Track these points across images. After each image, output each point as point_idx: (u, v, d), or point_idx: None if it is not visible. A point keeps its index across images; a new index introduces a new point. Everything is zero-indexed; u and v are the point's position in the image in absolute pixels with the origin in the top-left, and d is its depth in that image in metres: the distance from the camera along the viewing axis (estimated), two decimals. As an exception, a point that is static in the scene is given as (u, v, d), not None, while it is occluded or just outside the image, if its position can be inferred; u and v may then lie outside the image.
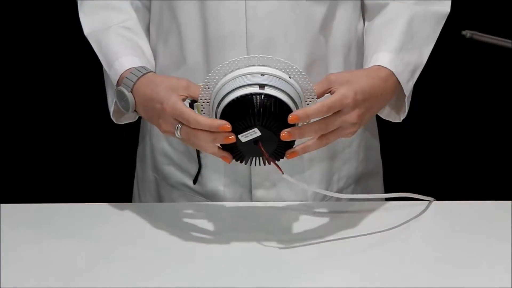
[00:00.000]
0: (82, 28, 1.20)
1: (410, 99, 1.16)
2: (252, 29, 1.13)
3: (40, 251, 1.05)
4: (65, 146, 2.44)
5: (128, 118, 1.18)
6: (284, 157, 1.01)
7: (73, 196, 1.57)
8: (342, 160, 1.26)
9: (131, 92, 1.08)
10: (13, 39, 2.36)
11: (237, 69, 1.00)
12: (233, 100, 0.98)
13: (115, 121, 1.19)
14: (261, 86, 0.98)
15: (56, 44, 2.35)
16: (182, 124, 1.02)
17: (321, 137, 1.02)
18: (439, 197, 1.18)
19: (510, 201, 1.16)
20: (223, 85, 1.00)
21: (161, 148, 1.27)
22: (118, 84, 1.12)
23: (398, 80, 1.11)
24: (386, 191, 1.40)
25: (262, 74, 0.99)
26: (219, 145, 1.02)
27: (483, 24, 2.06)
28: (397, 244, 1.06)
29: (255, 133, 0.98)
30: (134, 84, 1.08)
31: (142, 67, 1.11)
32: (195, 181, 1.24)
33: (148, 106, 1.07)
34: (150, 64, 1.17)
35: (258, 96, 0.98)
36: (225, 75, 1.01)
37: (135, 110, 1.10)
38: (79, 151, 2.44)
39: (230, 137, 0.98)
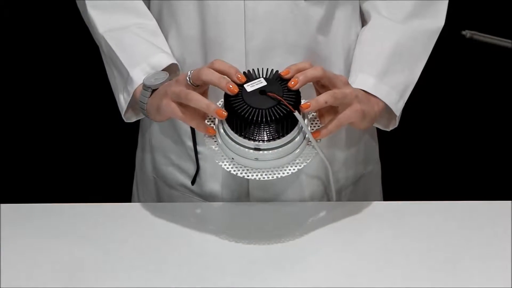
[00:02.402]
0: (95, 25, 1.18)
1: (400, 113, 1.17)
2: (251, 30, 1.13)
3: (40, 251, 1.06)
4: (65, 146, 2.44)
5: (138, 115, 1.18)
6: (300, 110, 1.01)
7: (73, 196, 1.57)
8: (341, 161, 1.26)
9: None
10: (13, 39, 2.36)
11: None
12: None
13: (125, 120, 1.18)
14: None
15: (56, 45, 2.35)
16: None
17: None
18: (439, 197, 1.18)
19: (510, 201, 1.16)
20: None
21: (160, 148, 1.28)
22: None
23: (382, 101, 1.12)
24: (385, 192, 1.40)
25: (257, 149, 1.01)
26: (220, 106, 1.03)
27: (483, 24, 2.06)
28: (397, 244, 1.07)
29: (260, 82, 1.00)
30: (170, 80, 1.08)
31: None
32: (193, 182, 1.24)
33: (167, 85, 1.06)
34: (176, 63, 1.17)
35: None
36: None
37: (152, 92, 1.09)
38: (79, 151, 2.44)
39: (233, 86, 0.99)
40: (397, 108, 1.14)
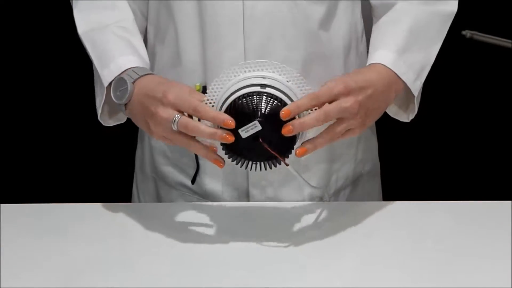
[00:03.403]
0: (76, 27, 1.19)
1: (419, 99, 1.16)
2: (249, 29, 1.13)
3: (40, 251, 1.06)
4: (64, 146, 2.44)
5: (116, 120, 1.18)
6: (293, 154, 1.00)
7: (73, 196, 1.57)
8: (340, 161, 1.26)
9: (133, 83, 1.08)
10: (13, 40, 2.36)
11: (236, 75, 1.01)
12: (234, 100, 0.99)
13: (103, 123, 1.18)
14: (263, 86, 0.99)
15: (57, 45, 2.35)
16: (181, 115, 1.00)
17: (327, 130, 1.02)
18: (439, 197, 1.18)
19: (510, 201, 1.16)
20: (225, 91, 1.00)
21: (159, 148, 1.27)
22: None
23: (401, 79, 1.11)
24: (385, 192, 1.40)
25: (264, 77, 1.00)
26: (216, 149, 1.02)
27: (483, 24, 2.06)
28: (397, 244, 1.06)
29: (255, 127, 0.97)
30: (139, 77, 1.08)
31: (145, 68, 1.11)
32: (193, 181, 1.24)
33: (147, 98, 1.04)
34: (147, 65, 1.16)
35: (259, 94, 0.98)
36: (227, 80, 1.01)
37: (125, 107, 1.09)
38: (79, 151, 2.44)
39: (228, 136, 0.98)
40: (415, 87, 1.13)
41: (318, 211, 1.16)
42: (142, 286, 0.98)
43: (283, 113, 0.97)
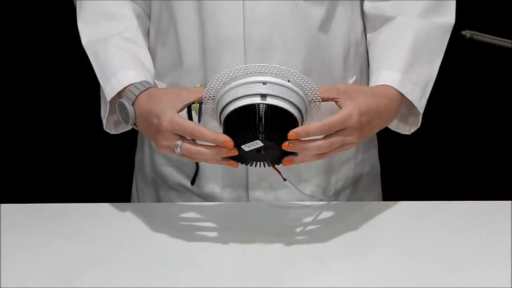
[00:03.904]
0: (80, 38, 1.18)
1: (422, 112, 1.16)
2: (250, 30, 1.13)
3: (40, 251, 1.06)
4: (65, 146, 2.44)
5: (123, 128, 1.19)
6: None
7: (73, 196, 1.57)
8: (340, 162, 1.26)
9: (133, 105, 1.08)
10: (14, 40, 2.36)
11: (236, 78, 1.00)
12: (235, 110, 0.98)
13: (109, 132, 1.19)
14: (263, 96, 0.98)
15: (57, 45, 2.35)
16: (182, 140, 1.01)
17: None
18: (439, 197, 1.18)
19: (510, 201, 1.16)
20: (225, 93, 1.00)
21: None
22: (120, 96, 1.12)
23: (406, 98, 1.11)
24: (384, 192, 1.40)
25: (264, 83, 0.99)
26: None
27: (483, 24, 2.06)
28: (396, 244, 1.06)
29: (257, 144, 0.98)
30: (136, 97, 1.08)
31: (145, 81, 1.10)
32: (192, 182, 1.24)
33: (147, 121, 1.06)
34: (150, 74, 1.16)
35: (260, 107, 0.98)
36: (225, 83, 1.00)
37: (134, 124, 1.10)
38: (79, 151, 2.44)
39: (233, 150, 0.98)
40: (421, 105, 1.13)
41: (318, 211, 1.16)
42: (142, 286, 0.98)
43: (291, 134, 0.97)
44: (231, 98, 0.99)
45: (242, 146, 0.98)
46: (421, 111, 1.14)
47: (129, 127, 1.16)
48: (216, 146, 0.99)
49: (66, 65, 2.35)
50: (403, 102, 1.12)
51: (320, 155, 1.02)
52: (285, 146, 0.98)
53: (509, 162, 2.23)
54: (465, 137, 2.34)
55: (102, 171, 2.40)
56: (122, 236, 1.10)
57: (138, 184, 1.36)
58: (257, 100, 0.98)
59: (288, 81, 1.00)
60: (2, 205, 1.17)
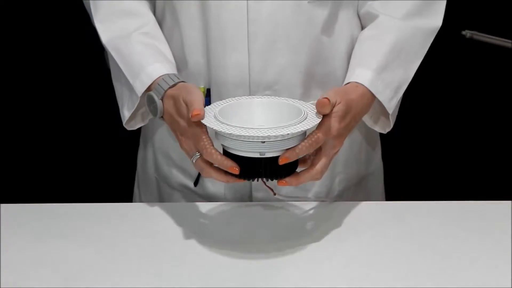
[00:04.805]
0: (100, 36, 1.18)
1: (396, 114, 1.17)
2: (254, 31, 1.13)
3: (40, 251, 1.06)
4: (65, 146, 2.44)
5: (141, 122, 1.19)
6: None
7: (73, 196, 1.57)
8: (343, 162, 1.26)
9: (162, 99, 1.08)
10: (14, 40, 2.36)
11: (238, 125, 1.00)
12: (238, 156, 1.00)
13: (127, 128, 1.19)
14: (262, 153, 1.01)
15: (58, 45, 2.35)
16: (199, 154, 1.03)
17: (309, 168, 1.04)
18: (439, 197, 1.18)
19: (510, 201, 1.16)
20: (225, 138, 1.01)
21: (162, 149, 1.27)
22: (149, 89, 1.12)
23: (377, 98, 1.12)
24: (387, 192, 1.40)
25: (263, 141, 1.00)
26: None
27: (483, 24, 2.06)
28: (397, 244, 1.07)
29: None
30: (165, 92, 1.08)
31: (174, 74, 1.11)
32: (196, 184, 1.24)
33: (173, 118, 1.07)
34: (174, 66, 1.16)
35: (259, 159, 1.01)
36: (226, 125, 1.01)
37: (161, 117, 1.10)
38: (80, 151, 2.44)
39: (237, 175, 1.01)
40: (390, 106, 1.14)
41: (321, 211, 1.16)
42: (143, 286, 0.98)
43: (281, 160, 1.00)
44: (231, 147, 1.01)
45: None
46: (390, 111, 1.15)
47: (146, 122, 1.19)
48: (225, 174, 1.02)
49: (67, 65, 2.35)
50: (375, 101, 1.13)
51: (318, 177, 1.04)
52: (281, 183, 1.02)
53: (509, 162, 2.23)
54: (465, 137, 2.34)
55: (103, 171, 2.40)
56: (124, 236, 1.09)
57: (140, 184, 1.36)
58: (256, 155, 1.01)
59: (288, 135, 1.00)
60: (2, 205, 1.17)
